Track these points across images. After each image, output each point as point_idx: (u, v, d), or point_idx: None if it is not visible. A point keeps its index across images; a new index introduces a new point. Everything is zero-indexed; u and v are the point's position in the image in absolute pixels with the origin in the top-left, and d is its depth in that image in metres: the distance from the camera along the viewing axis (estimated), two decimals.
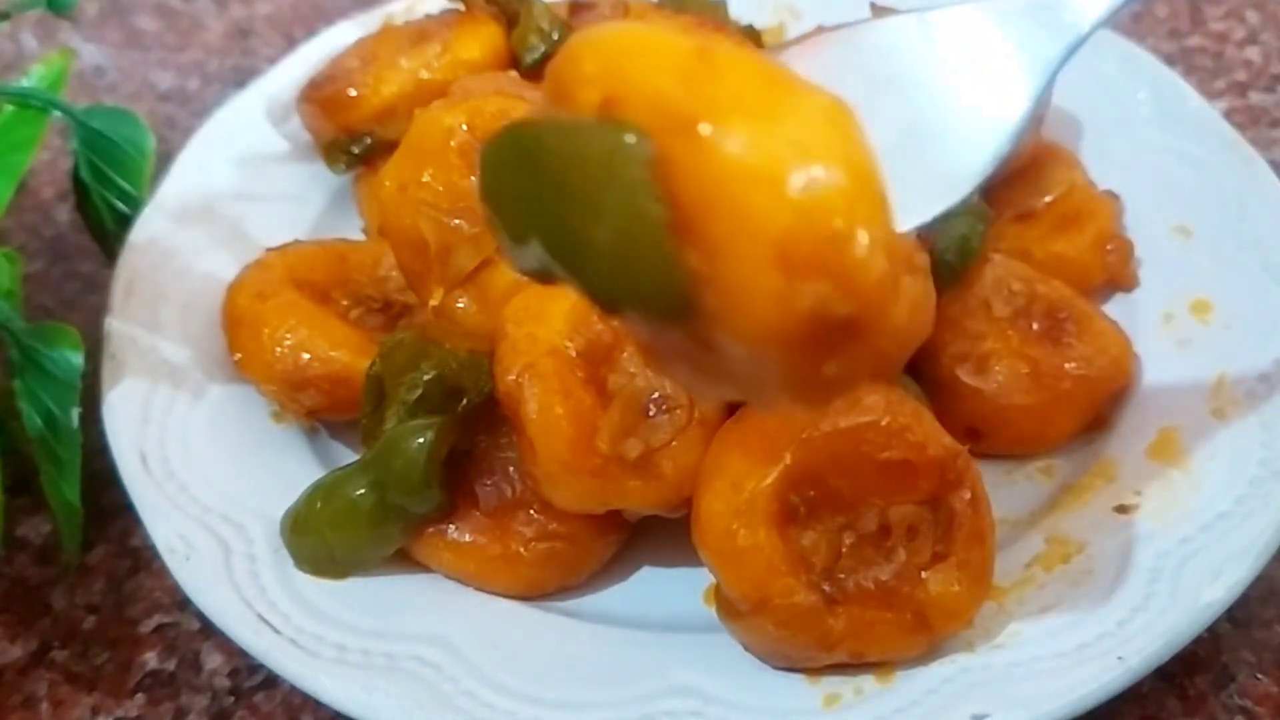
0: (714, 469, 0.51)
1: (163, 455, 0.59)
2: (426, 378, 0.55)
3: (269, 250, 0.65)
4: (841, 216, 0.31)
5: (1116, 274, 0.66)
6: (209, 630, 0.58)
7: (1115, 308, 0.65)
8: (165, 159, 0.72)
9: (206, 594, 0.54)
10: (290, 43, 0.93)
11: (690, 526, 0.51)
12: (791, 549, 0.49)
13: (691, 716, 0.50)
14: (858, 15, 0.65)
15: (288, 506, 0.56)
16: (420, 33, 0.71)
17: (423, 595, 0.55)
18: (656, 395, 0.53)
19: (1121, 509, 0.56)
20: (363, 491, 0.54)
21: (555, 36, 0.68)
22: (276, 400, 0.61)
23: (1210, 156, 0.68)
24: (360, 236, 0.71)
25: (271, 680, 0.57)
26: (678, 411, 0.52)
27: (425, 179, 0.55)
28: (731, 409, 0.52)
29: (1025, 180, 0.68)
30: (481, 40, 0.69)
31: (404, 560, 0.56)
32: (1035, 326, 0.61)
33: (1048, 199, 0.68)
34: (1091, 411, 0.60)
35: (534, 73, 0.65)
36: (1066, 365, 0.59)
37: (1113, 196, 0.68)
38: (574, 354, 0.53)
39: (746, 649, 0.52)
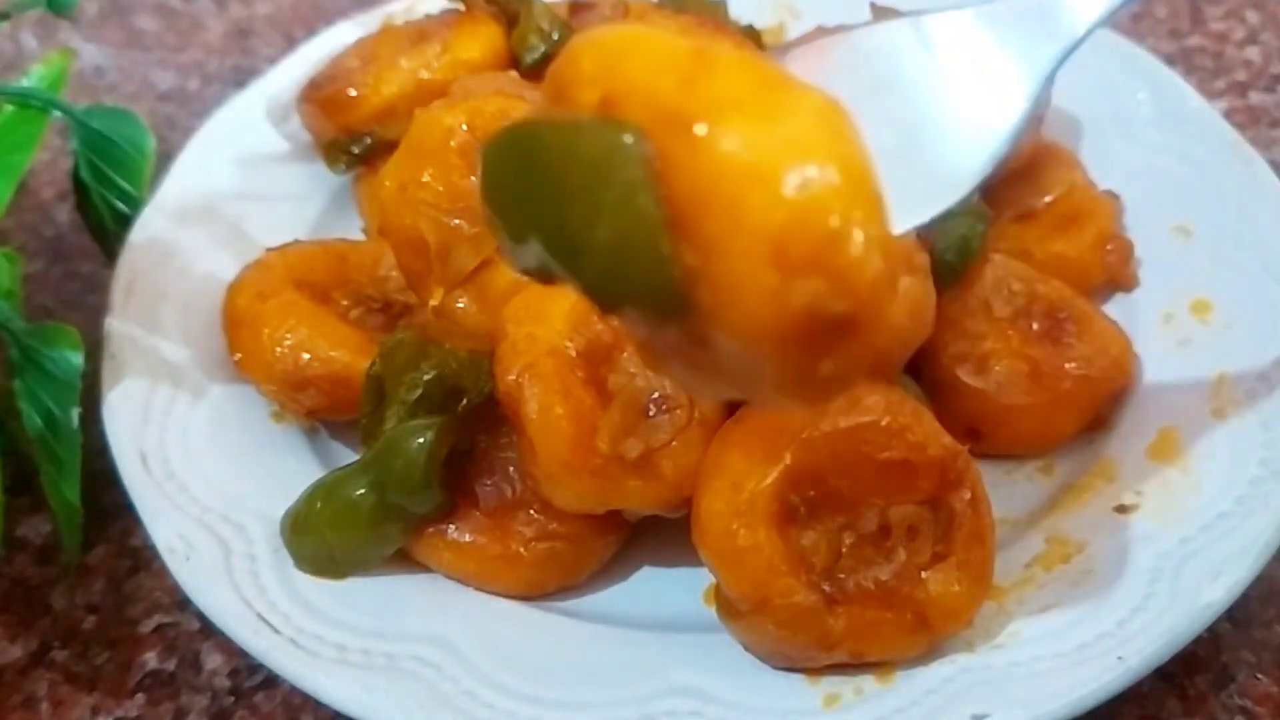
0: (714, 469, 0.51)
1: (163, 455, 0.59)
2: (426, 378, 0.55)
3: (269, 250, 0.65)
4: (836, 215, 0.31)
5: (1116, 274, 0.66)
6: (209, 630, 0.58)
7: (1115, 308, 0.65)
8: (165, 159, 0.72)
9: (206, 594, 0.54)
10: (290, 43, 0.93)
11: (690, 526, 0.51)
12: (791, 549, 0.49)
13: (691, 716, 0.50)
14: (858, 15, 0.66)
15: (288, 506, 0.56)
16: (420, 33, 0.71)
17: (423, 595, 0.55)
18: (656, 395, 0.53)
19: (1121, 509, 0.56)
20: (363, 491, 0.54)
21: (555, 36, 0.68)
22: (276, 400, 0.61)
23: (1210, 156, 0.68)
24: (360, 236, 0.71)
25: (271, 680, 0.57)
26: (678, 411, 0.52)
27: (425, 179, 0.55)
28: (731, 409, 0.52)
29: (1025, 180, 0.68)
30: (481, 40, 0.69)
31: (404, 560, 0.56)
32: (1035, 326, 0.61)
33: (1048, 199, 0.68)
34: (1091, 411, 0.60)
35: (534, 73, 0.65)
36: (1067, 365, 0.59)
37: (1113, 196, 0.68)
38: (574, 354, 0.53)
39: (746, 649, 0.52)
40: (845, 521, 0.51)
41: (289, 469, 0.60)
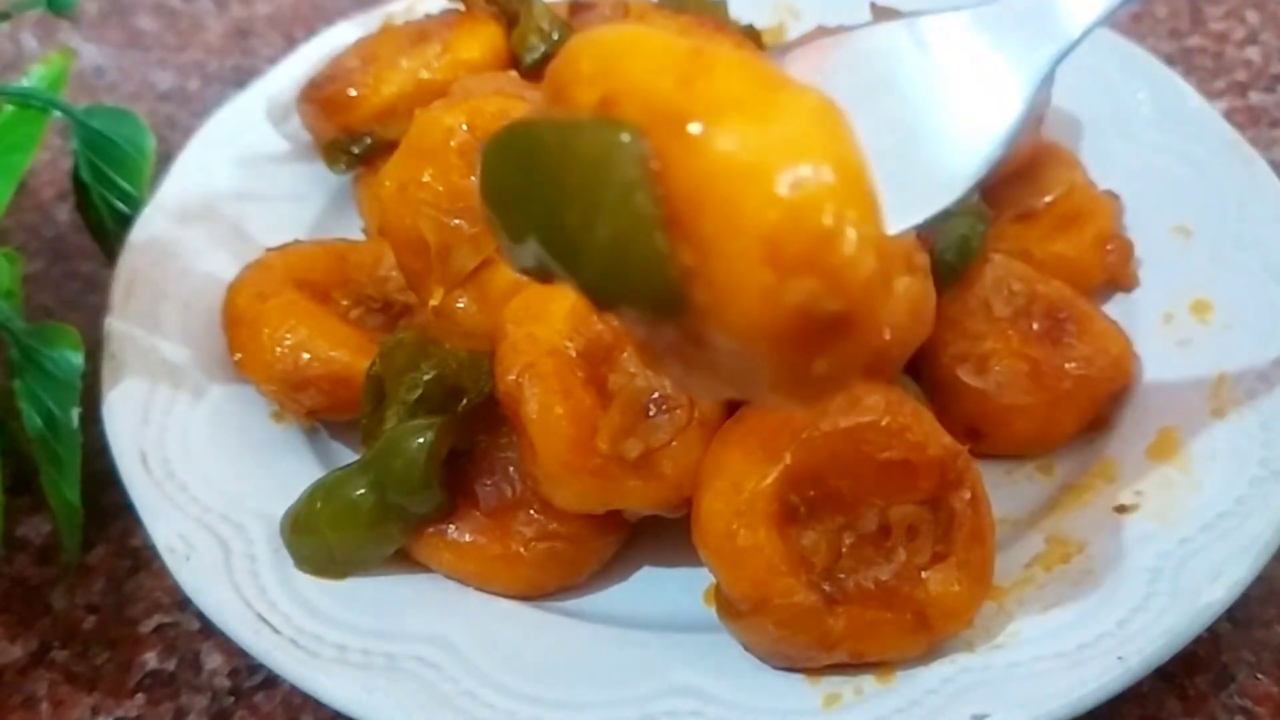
0: (714, 469, 0.51)
1: (163, 455, 0.59)
2: (426, 378, 0.55)
3: (269, 250, 0.65)
4: (830, 214, 0.31)
5: (1116, 274, 0.66)
6: (209, 630, 0.58)
7: (1115, 308, 0.65)
8: (165, 159, 0.72)
9: (206, 594, 0.53)
10: (290, 43, 0.93)
11: (690, 526, 0.51)
12: (791, 549, 0.49)
13: (691, 716, 0.50)
14: (858, 16, 0.66)
15: (288, 506, 0.56)
16: (420, 33, 0.71)
17: (423, 595, 0.55)
18: (656, 395, 0.53)
19: (1121, 509, 0.56)
20: (363, 491, 0.54)
21: (555, 36, 0.68)
22: (276, 400, 0.61)
23: (1210, 156, 0.68)
24: (360, 236, 0.71)
25: (271, 680, 0.57)
26: (678, 411, 0.52)
27: (425, 179, 0.55)
28: (731, 409, 0.52)
29: (1025, 180, 0.68)
30: (481, 40, 0.69)
31: (404, 560, 0.56)
32: (1035, 326, 0.61)
33: (1048, 199, 0.68)
34: (1091, 411, 0.60)
35: (534, 73, 0.65)
36: (1067, 365, 0.59)
37: (1113, 196, 0.68)
38: (574, 354, 0.53)
39: (746, 649, 0.52)
40: (845, 521, 0.51)
41: (289, 469, 0.60)
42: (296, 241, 0.67)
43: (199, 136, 0.75)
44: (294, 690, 0.56)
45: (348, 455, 0.61)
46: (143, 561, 0.62)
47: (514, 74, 0.65)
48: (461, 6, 0.72)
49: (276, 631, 0.52)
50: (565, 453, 0.51)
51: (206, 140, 0.75)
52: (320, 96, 0.69)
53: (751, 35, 0.72)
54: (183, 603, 0.60)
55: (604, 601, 0.57)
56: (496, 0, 0.71)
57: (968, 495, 0.51)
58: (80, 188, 0.67)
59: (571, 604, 0.57)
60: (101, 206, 0.67)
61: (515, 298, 0.54)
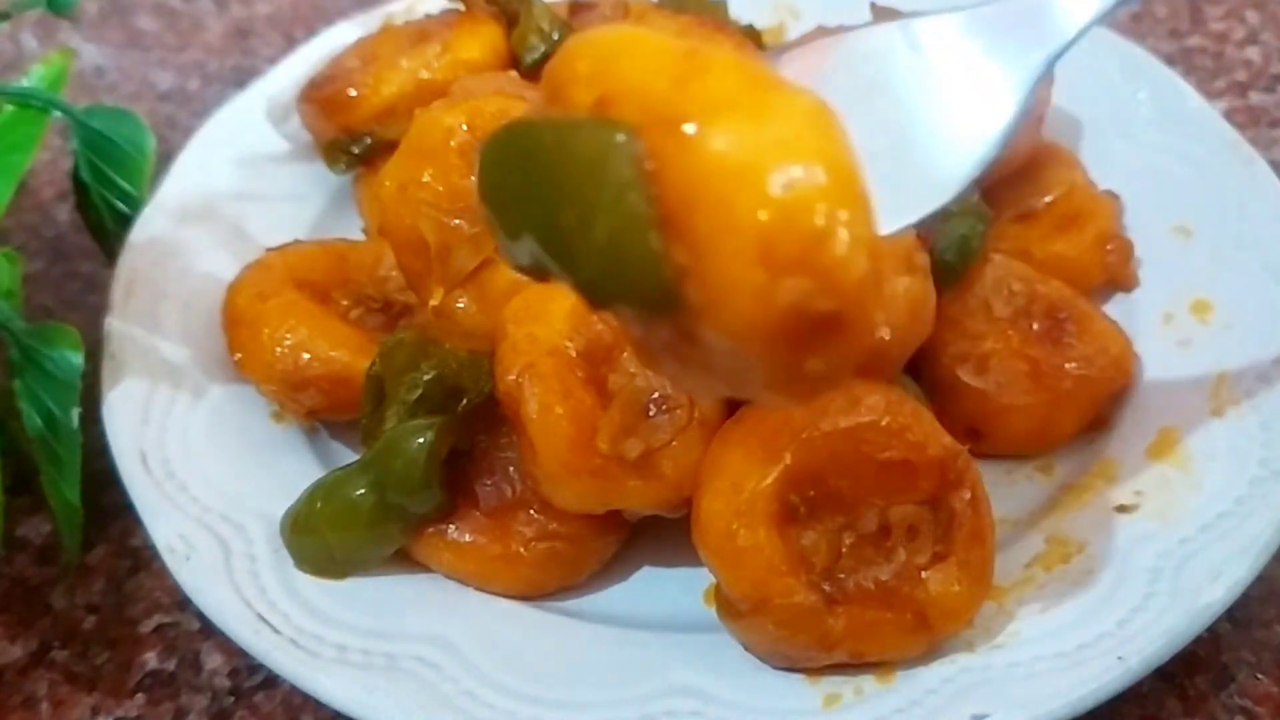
0: (714, 469, 0.51)
1: (163, 455, 0.59)
2: (426, 378, 0.55)
3: (269, 250, 0.65)
4: (822, 215, 0.32)
5: (1116, 274, 0.66)
6: (209, 630, 0.58)
7: (1115, 308, 0.65)
8: (165, 159, 0.72)
9: (206, 594, 0.53)
10: (290, 43, 0.93)
11: (690, 526, 0.51)
12: (791, 549, 0.49)
13: (691, 716, 0.50)
14: (858, 16, 0.66)
15: (288, 506, 0.56)
16: (420, 33, 0.71)
17: (423, 595, 0.55)
18: (656, 395, 0.53)
19: (1121, 509, 0.56)
20: (363, 491, 0.54)
21: (555, 36, 0.68)
22: (276, 400, 0.61)
23: (1210, 156, 0.68)
24: (360, 236, 0.71)
25: (271, 680, 0.57)
26: (678, 411, 0.52)
27: (425, 179, 0.55)
28: (731, 409, 0.52)
29: (1025, 180, 0.68)
30: (481, 40, 0.69)
31: (404, 560, 0.56)
32: (1035, 326, 0.61)
33: (1048, 199, 0.68)
34: (1092, 411, 0.60)
35: (534, 73, 0.65)
36: (1067, 365, 0.59)
37: (1113, 196, 0.68)
38: (574, 354, 0.53)
39: (746, 649, 0.52)
40: (845, 521, 0.51)
41: (289, 469, 0.60)
42: (296, 241, 0.67)
43: (199, 136, 0.75)
44: (294, 690, 0.56)
45: (348, 455, 0.61)
46: (143, 561, 0.62)
47: (514, 74, 0.65)
48: (461, 6, 0.72)
49: (276, 631, 0.52)
50: (565, 453, 0.51)
51: (206, 140, 0.75)
52: (320, 96, 0.69)
53: (751, 35, 0.72)
54: (183, 603, 0.60)
55: (604, 601, 0.57)
56: (496, 0, 0.71)
57: (968, 495, 0.51)
58: (80, 188, 0.67)
59: (571, 604, 0.57)
60: (101, 206, 0.67)
61: (515, 298, 0.54)
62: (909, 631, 0.50)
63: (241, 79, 0.87)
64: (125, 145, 0.67)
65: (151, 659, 0.59)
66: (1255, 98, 0.85)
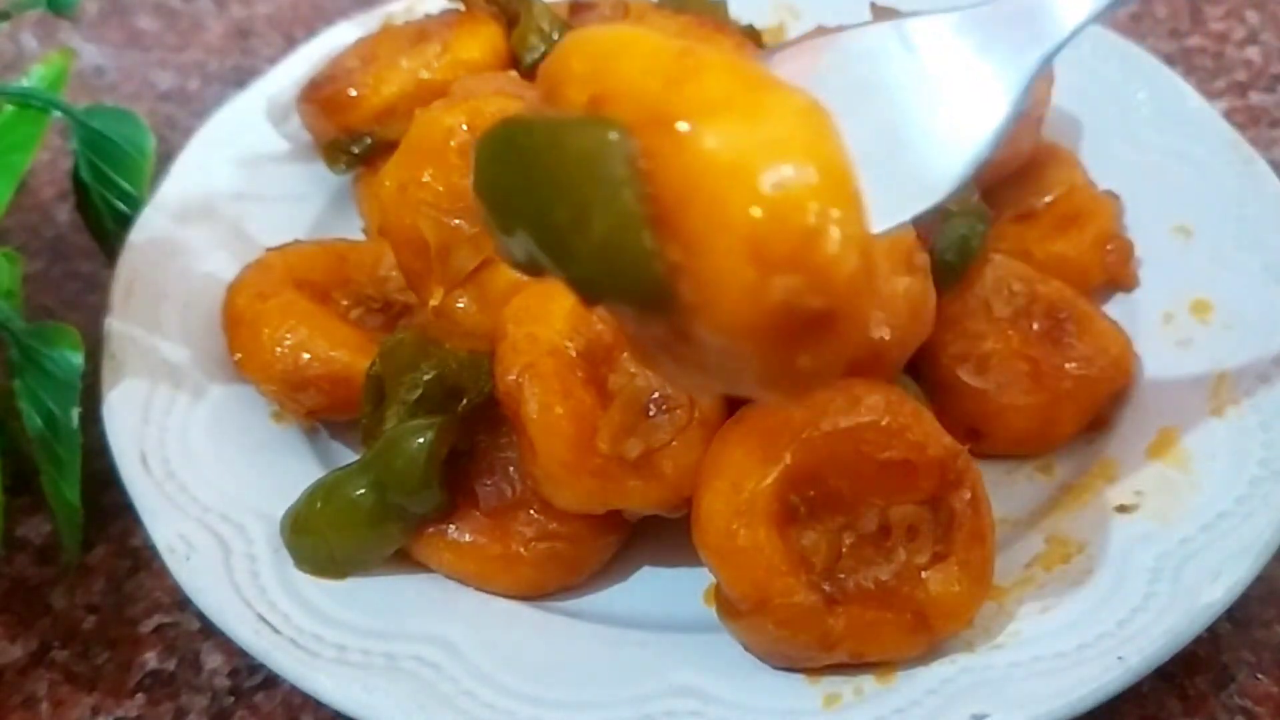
0: (714, 469, 0.51)
1: (163, 455, 0.59)
2: (426, 378, 0.55)
3: (269, 250, 0.65)
4: (814, 213, 0.32)
5: (1116, 274, 0.66)
6: (209, 630, 0.58)
7: (1115, 308, 0.65)
8: (165, 159, 0.72)
9: (206, 594, 0.54)
10: (290, 43, 0.93)
11: (690, 526, 0.51)
12: (791, 549, 0.49)
13: (691, 716, 0.50)
14: (858, 16, 0.65)
15: (288, 506, 0.56)
16: (420, 33, 0.71)
17: (423, 595, 0.55)
18: (657, 395, 0.53)
19: (1121, 509, 0.56)
20: (363, 491, 0.54)
21: (555, 36, 0.68)
22: (276, 400, 0.61)
23: (1210, 156, 0.68)
24: (360, 236, 0.71)
25: (271, 680, 0.57)
26: (678, 411, 0.52)
27: (425, 179, 0.55)
28: (731, 409, 0.52)
29: (1025, 180, 0.69)
30: (481, 40, 0.69)
31: (404, 560, 0.56)
32: (1035, 326, 0.61)
33: (1048, 199, 0.68)
34: (1092, 411, 0.60)
35: (534, 73, 0.65)
36: (1067, 365, 0.59)
37: (1113, 196, 0.68)
38: (574, 354, 0.53)
39: (746, 649, 0.52)
40: (845, 521, 0.51)
41: (289, 469, 0.60)
42: (296, 241, 0.67)
43: (199, 136, 0.75)
44: (294, 690, 0.56)
45: (348, 455, 0.61)
46: (143, 561, 0.62)
47: (514, 74, 0.65)
48: (461, 6, 0.72)
49: (276, 631, 0.52)
50: (565, 453, 0.51)
51: (206, 140, 0.75)
52: (320, 96, 0.69)
53: (751, 35, 0.72)
54: (183, 603, 0.60)
55: (604, 601, 0.57)
56: (496, 0, 0.71)
57: (968, 495, 0.51)
58: (80, 188, 0.67)
59: (571, 604, 0.57)
60: (101, 206, 0.67)
61: (515, 298, 0.54)
62: (909, 631, 0.50)
63: (241, 79, 0.87)
64: (125, 145, 0.67)
65: (151, 659, 0.59)
66: (1255, 98, 0.85)
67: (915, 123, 0.45)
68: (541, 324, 0.53)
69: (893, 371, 0.55)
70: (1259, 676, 0.56)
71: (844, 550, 0.51)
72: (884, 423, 0.50)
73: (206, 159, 0.73)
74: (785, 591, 0.49)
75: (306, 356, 0.59)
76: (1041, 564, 0.55)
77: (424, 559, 0.56)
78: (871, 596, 0.50)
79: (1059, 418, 0.60)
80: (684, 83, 0.34)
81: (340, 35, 0.78)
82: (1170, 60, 0.85)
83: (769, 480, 0.49)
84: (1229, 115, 0.79)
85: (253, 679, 0.58)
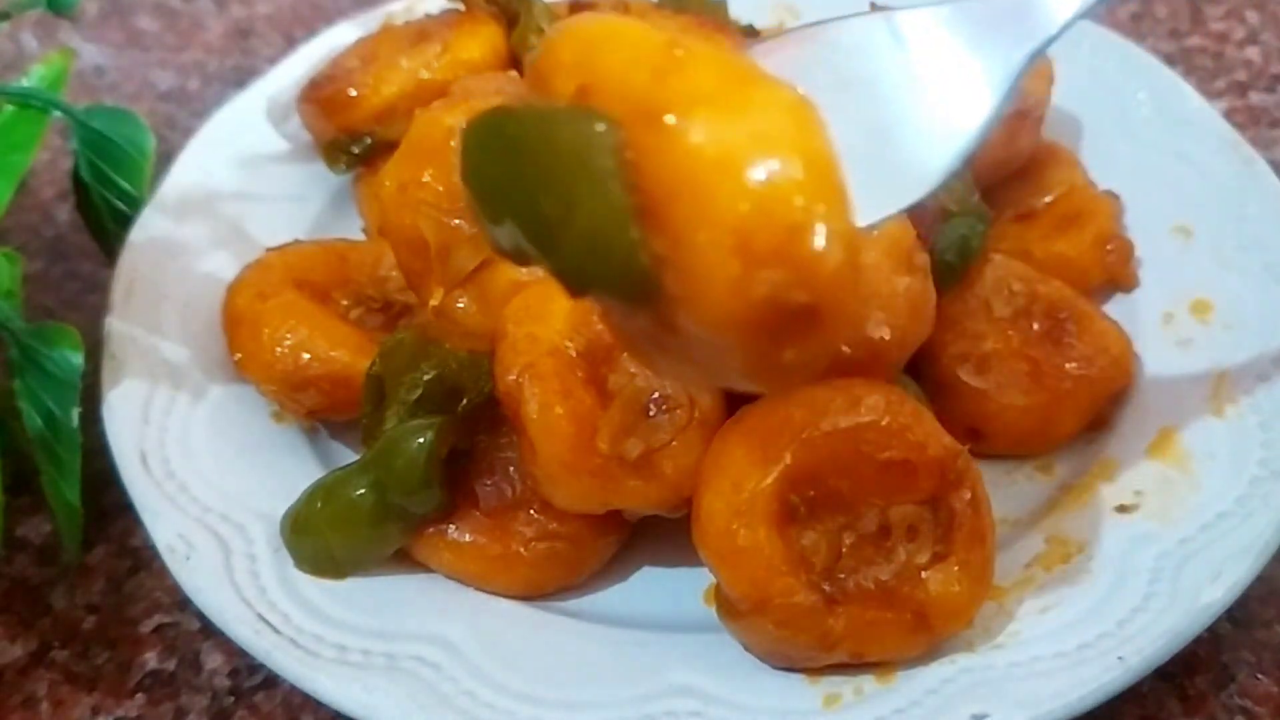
0: (714, 469, 0.51)
1: (163, 455, 0.59)
2: (426, 378, 0.55)
3: (269, 250, 0.65)
4: (799, 208, 0.32)
5: (1116, 274, 0.66)
6: (209, 630, 0.58)
7: (1115, 308, 0.65)
8: (165, 159, 0.72)
9: (206, 594, 0.53)
10: (290, 43, 0.93)
11: (690, 526, 0.51)
12: (791, 549, 0.49)
13: (691, 716, 0.50)
14: None
15: (288, 506, 0.56)
16: (420, 33, 0.71)
17: (423, 595, 0.55)
18: (657, 395, 0.53)
19: (1121, 509, 0.56)
20: (363, 491, 0.54)
21: None
22: (276, 400, 0.61)
23: (1210, 156, 0.68)
24: (360, 236, 0.71)
25: (271, 680, 0.57)
26: (678, 411, 0.52)
27: (425, 179, 0.55)
28: (732, 409, 0.52)
29: (1025, 180, 0.69)
30: (481, 40, 0.69)
31: (404, 560, 0.56)
32: (1036, 326, 0.61)
33: (1048, 199, 0.68)
34: (1092, 411, 0.60)
35: None
36: (1067, 365, 0.59)
37: (1113, 196, 0.68)
38: (574, 354, 0.53)
39: (746, 649, 0.52)
40: (845, 521, 0.51)
41: (289, 469, 0.60)
42: (296, 241, 0.67)
43: (199, 136, 0.75)
44: (294, 690, 0.56)
45: (348, 455, 0.61)
46: (143, 561, 0.62)
47: (514, 74, 0.65)
48: (461, 6, 0.72)
49: (276, 631, 0.52)
50: (565, 453, 0.51)
51: (206, 140, 0.75)
52: (320, 96, 0.69)
53: (752, 35, 0.72)
54: (183, 603, 0.60)
55: (604, 601, 0.57)
56: (496, 0, 0.71)
57: (968, 495, 0.51)
58: (80, 188, 0.67)
59: (571, 604, 0.57)
60: (101, 206, 0.67)
61: (515, 298, 0.54)
62: (909, 631, 0.50)
63: (241, 79, 0.87)
64: (125, 145, 0.67)
65: (151, 659, 0.59)
66: (1255, 98, 0.85)
67: (902, 116, 0.45)
68: (541, 324, 0.53)
69: (893, 371, 0.55)
70: (1259, 676, 0.56)
71: (844, 550, 0.51)
72: (884, 423, 0.50)
73: (206, 159, 0.73)
74: (785, 591, 0.49)
75: (306, 356, 0.59)
76: (1041, 564, 0.55)
77: (424, 559, 0.56)
78: (871, 596, 0.50)
79: (1059, 418, 0.60)
80: (671, 75, 0.34)
81: (340, 35, 0.78)
82: (1170, 60, 0.85)
83: (769, 480, 0.49)
84: (1229, 115, 0.79)
85: (253, 679, 0.58)
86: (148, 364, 0.62)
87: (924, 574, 0.51)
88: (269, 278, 0.62)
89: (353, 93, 0.68)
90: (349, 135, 0.69)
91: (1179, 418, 0.59)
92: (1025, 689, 0.49)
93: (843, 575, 0.50)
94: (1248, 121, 0.83)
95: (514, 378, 0.52)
